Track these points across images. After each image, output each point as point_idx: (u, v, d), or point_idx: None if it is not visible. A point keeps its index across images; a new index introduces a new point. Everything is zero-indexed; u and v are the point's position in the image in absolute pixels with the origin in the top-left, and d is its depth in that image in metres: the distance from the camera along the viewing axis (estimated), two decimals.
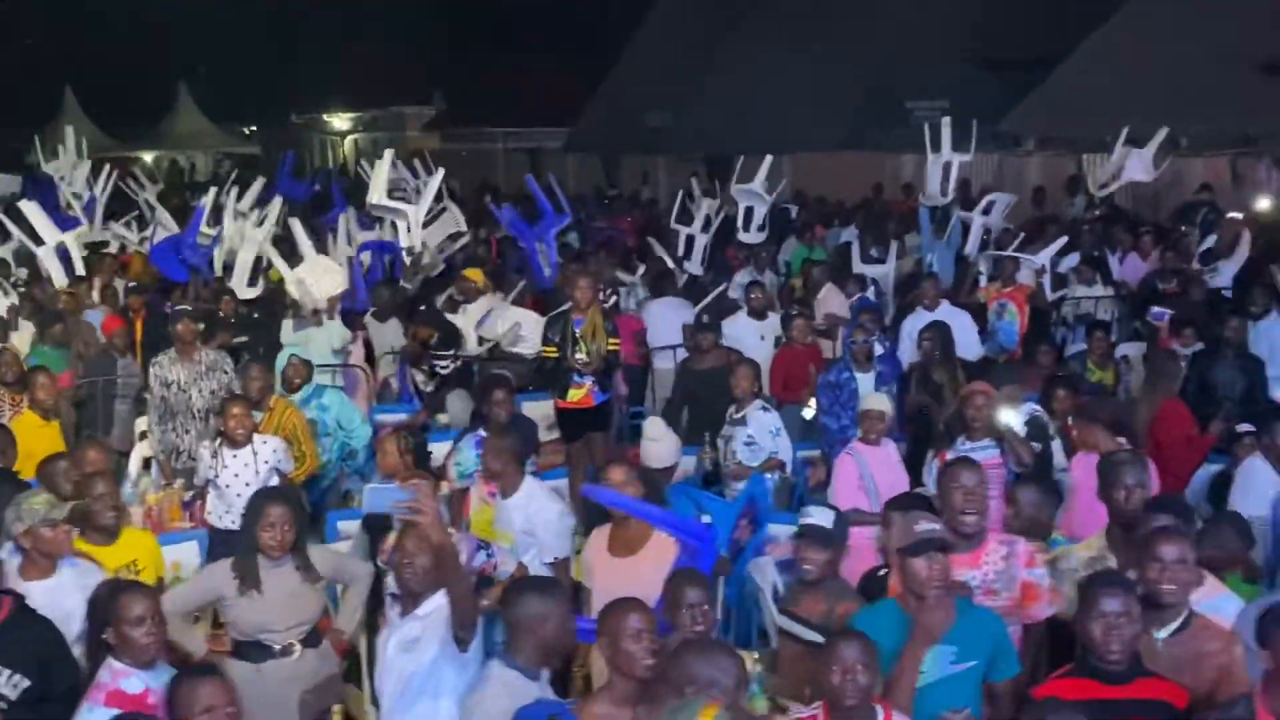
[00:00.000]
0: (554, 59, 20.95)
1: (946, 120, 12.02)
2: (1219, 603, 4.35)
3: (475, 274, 11.24)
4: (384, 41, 22.21)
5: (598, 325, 8.06)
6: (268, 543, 5.11)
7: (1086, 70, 15.65)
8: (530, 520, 5.64)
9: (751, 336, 9.91)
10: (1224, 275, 11.22)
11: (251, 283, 10.30)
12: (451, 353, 8.90)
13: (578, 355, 8.02)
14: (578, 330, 8.06)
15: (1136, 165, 12.06)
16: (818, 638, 4.67)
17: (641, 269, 12.18)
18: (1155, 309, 9.73)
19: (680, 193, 13.09)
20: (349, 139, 26.22)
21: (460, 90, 22.55)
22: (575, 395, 8.10)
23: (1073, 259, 11.63)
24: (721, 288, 10.91)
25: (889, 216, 15.31)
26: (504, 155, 22.63)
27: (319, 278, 8.90)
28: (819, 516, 5.06)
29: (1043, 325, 10.60)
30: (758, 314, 10.09)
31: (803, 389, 9.14)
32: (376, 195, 11.26)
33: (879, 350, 9.22)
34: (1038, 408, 7.22)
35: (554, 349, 8.12)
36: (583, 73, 20.53)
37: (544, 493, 5.88)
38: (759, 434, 7.65)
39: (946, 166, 11.73)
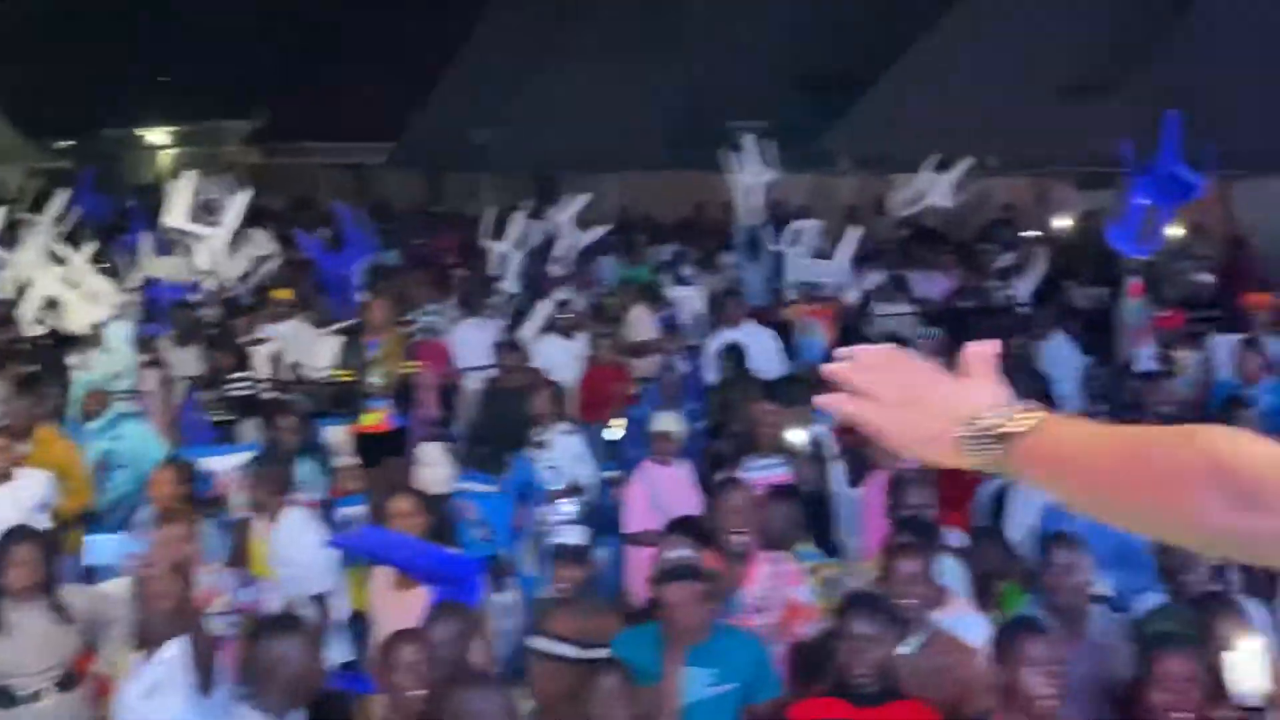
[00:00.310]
0: (378, 73, 20.62)
1: (751, 140, 12.19)
2: (964, 621, 4.46)
3: (286, 294, 10.99)
4: (202, 54, 21.55)
5: (394, 348, 7.93)
6: (13, 583, 4.89)
7: (898, 92, 16.06)
8: (291, 552, 5.50)
9: (561, 356, 9.86)
10: (1021, 292, 11.59)
11: (39, 319, 9.81)
12: (243, 378, 8.66)
13: (373, 379, 7.87)
14: (373, 353, 7.92)
15: (938, 191, 12.42)
16: (576, 653, 4.72)
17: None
18: (921, 330, 10.05)
19: (491, 209, 12.99)
20: (166, 153, 25.43)
21: (281, 104, 22.03)
22: (371, 420, 7.95)
23: (877, 277, 11.89)
24: (516, 306, 10.84)
25: (707, 235, 15.47)
26: (326, 171, 22.20)
27: (83, 303, 8.55)
28: (569, 535, 5.07)
29: (848, 342, 10.79)
30: (567, 334, 10.06)
31: (608, 409, 9.14)
32: (174, 218, 10.87)
33: (682, 369, 9.31)
34: (823, 427, 7.33)
35: (349, 372, 7.96)
36: (407, 88, 20.25)
37: (306, 523, 5.74)
38: (561, 458, 7.61)
39: (754, 187, 11.89)
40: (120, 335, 9.00)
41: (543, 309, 9.94)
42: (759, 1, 17.46)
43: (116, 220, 14.92)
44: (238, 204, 11.25)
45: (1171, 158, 9.06)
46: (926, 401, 1.40)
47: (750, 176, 11.84)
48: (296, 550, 5.51)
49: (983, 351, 1.45)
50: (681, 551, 4.49)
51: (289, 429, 6.96)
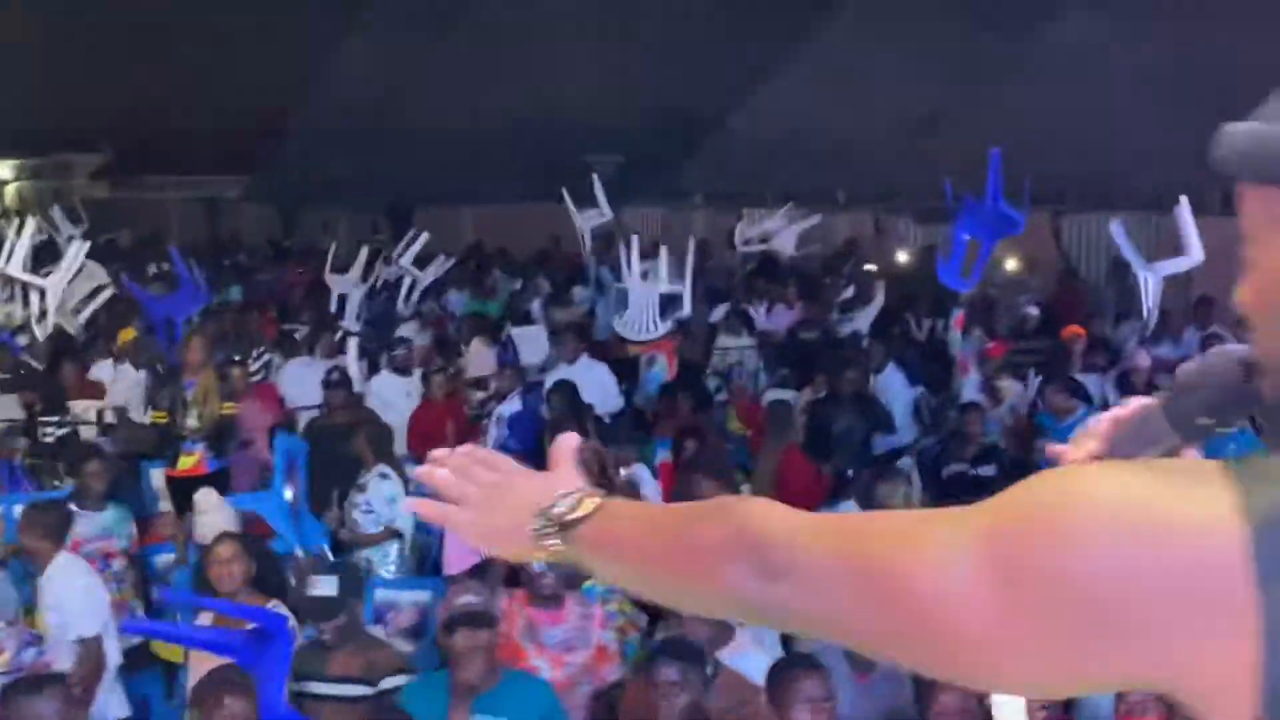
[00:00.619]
0: (231, 104, 20.21)
1: (595, 180, 12.24)
2: (747, 658, 4.47)
3: (128, 333, 10.74)
4: (47, 85, 20.90)
5: (210, 389, 7.73)
6: None
7: (748, 128, 16.28)
8: (59, 597, 5.33)
9: (396, 393, 9.75)
10: (860, 324, 11.78)
11: None
12: (57, 421, 8.36)
13: (188, 420, 7.66)
14: (189, 394, 7.71)
15: (784, 239, 12.65)
16: (365, 691, 4.66)
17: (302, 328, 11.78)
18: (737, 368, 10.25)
19: (337, 245, 12.81)
20: (11, 188, 24.61)
21: (131, 137, 21.43)
22: (187, 463, 7.72)
23: (722, 310, 11.99)
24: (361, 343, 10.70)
25: (563, 269, 15.48)
26: (178, 205, 21.69)
27: None
28: (321, 586, 4.96)
29: (691, 375, 10.83)
30: (403, 370, 9.94)
31: (441, 446, 9.00)
32: (11, 266, 10.52)
33: (517, 407, 9.25)
34: (641, 466, 7.33)
35: (162, 414, 7.73)
36: (262, 120, 19.90)
37: (76, 566, 5.58)
38: (376, 502, 7.48)
39: (591, 227, 11.98)
40: None
41: (353, 345, 9.80)
42: (613, 36, 17.56)
43: None
44: (74, 252, 10.92)
45: (995, 193, 9.30)
46: (503, 499, 1.42)
47: (586, 218, 11.91)
48: (65, 596, 5.34)
49: (564, 443, 1.48)
50: (468, 598, 4.42)
51: (93, 474, 6.72)
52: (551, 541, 1.36)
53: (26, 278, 10.75)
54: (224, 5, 19.58)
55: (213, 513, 6.09)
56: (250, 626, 4.90)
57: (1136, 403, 1.32)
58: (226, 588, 5.37)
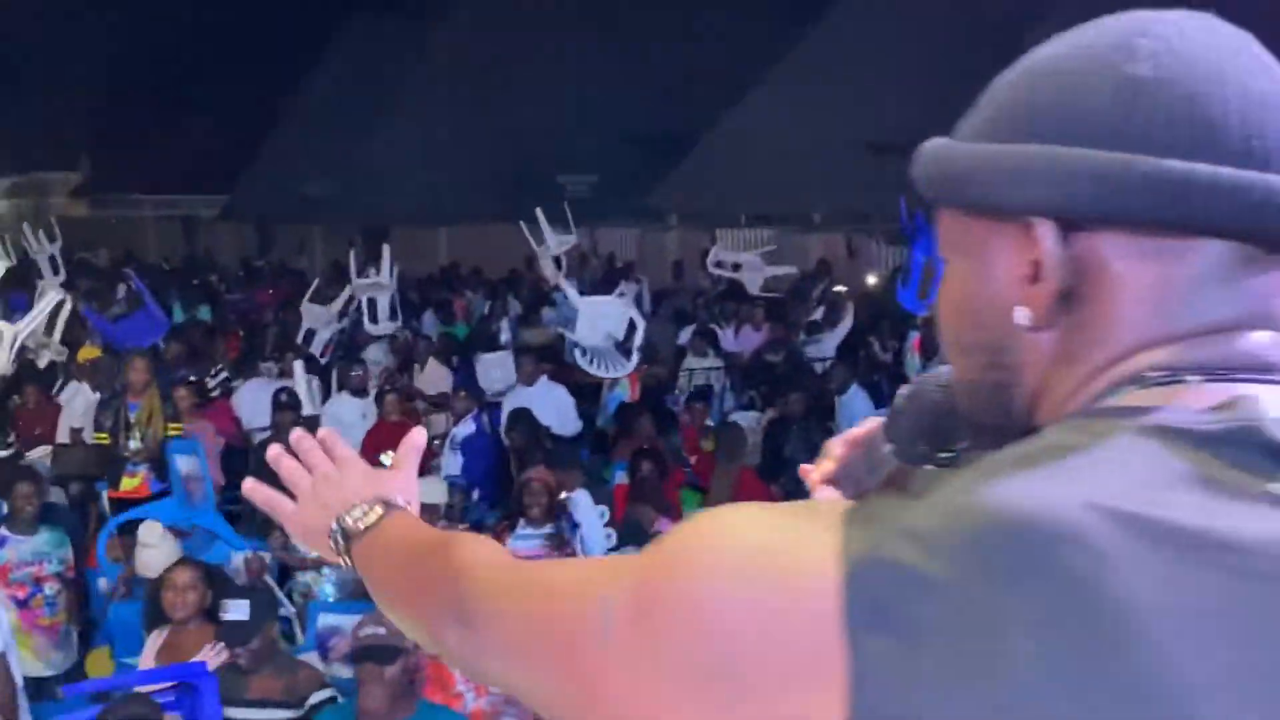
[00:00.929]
0: (209, 124, 20.22)
1: (565, 206, 12.22)
2: None
3: (90, 352, 10.65)
4: (24, 103, 20.87)
5: (155, 409, 7.64)
6: None
7: (721, 148, 16.29)
8: None
9: (353, 415, 9.66)
10: (826, 346, 11.71)
11: None
12: None
13: (130, 442, 7.57)
14: (132, 415, 7.63)
15: (750, 277, 12.65)
16: (294, 714, 4.56)
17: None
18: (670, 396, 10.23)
19: (320, 276, 12.73)
20: None
21: (109, 155, 21.41)
22: (129, 484, 7.63)
23: (689, 331, 11.94)
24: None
25: (535, 289, 15.41)
26: (155, 223, 21.65)
27: None
28: (233, 611, 4.87)
29: (654, 397, 10.73)
30: (358, 392, 9.86)
31: None
32: None
33: (471, 429, 9.16)
34: (583, 491, 7.23)
35: (105, 435, 7.65)
36: (239, 139, 19.92)
37: None
38: None
39: (554, 253, 11.97)
40: None
41: (299, 366, 9.72)
42: (587, 60, 17.58)
43: None
44: (47, 301, 10.83)
45: None
46: (325, 495, 1.33)
47: (550, 247, 11.90)
48: None
49: (410, 440, 1.40)
50: (375, 630, 4.31)
51: (24, 497, 6.61)
52: (341, 549, 1.28)
53: None
54: (206, 25, 19.67)
55: (156, 547, 5.99)
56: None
57: (871, 423, 1.25)
58: (180, 615, 5.29)
